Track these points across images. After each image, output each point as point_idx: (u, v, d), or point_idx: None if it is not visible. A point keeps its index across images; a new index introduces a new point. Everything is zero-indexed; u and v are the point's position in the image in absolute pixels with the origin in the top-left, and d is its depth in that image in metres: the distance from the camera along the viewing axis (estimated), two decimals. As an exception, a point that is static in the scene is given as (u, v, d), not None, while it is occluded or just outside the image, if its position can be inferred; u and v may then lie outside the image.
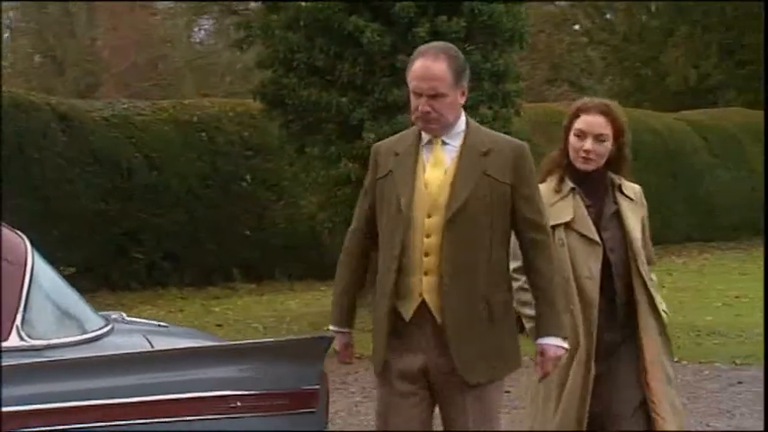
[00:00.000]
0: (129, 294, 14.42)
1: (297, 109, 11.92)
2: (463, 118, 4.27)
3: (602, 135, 4.62)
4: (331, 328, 4.44)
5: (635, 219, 4.66)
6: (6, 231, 3.98)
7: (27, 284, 3.88)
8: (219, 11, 26.34)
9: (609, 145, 4.62)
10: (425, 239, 4.14)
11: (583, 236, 4.57)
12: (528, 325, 4.55)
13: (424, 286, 4.16)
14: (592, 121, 4.62)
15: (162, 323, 4.70)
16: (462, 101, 4.24)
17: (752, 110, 24.46)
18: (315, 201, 12.46)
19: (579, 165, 4.64)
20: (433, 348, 4.16)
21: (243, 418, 4.00)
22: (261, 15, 12.15)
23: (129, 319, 4.65)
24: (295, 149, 12.48)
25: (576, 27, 32.61)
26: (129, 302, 13.51)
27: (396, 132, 4.32)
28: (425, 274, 4.15)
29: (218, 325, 12.18)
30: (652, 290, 4.64)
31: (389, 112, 11.39)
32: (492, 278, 4.19)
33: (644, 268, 4.61)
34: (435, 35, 11.36)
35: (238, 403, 4.05)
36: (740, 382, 9.17)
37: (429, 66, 4.15)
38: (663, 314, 4.68)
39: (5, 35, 26.36)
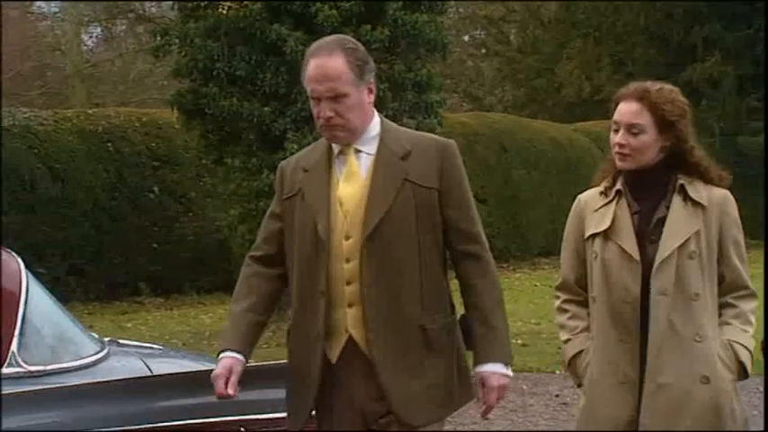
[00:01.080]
0: (33, 311, 13.88)
1: (216, 119, 11.64)
2: (377, 120, 3.71)
3: (635, 125, 3.82)
4: (221, 353, 3.61)
5: (685, 227, 3.80)
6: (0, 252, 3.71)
7: (22, 308, 3.62)
8: (126, 17, 25.74)
9: (648, 138, 3.82)
10: (345, 266, 3.58)
11: (621, 248, 3.83)
12: (563, 348, 4.00)
13: (350, 320, 3.58)
14: (624, 110, 3.85)
15: (155, 345, 4.45)
16: (371, 99, 3.67)
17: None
18: (234, 213, 12.18)
19: (617, 162, 3.89)
20: (365, 392, 3.58)
21: (248, 443, 3.82)
22: (179, 23, 11.83)
23: (123, 341, 4.38)
24: (214, 160, 12.20)
25: (466, 38, 32.88)
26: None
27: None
28: (349, 305, 3.58)
29: (135, 341, 11.79)
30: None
31: (312, 122, 11.12)
32: (427, 301, 3.62)
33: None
34: (359, 45, 11.25)
35: (242, 429, 3.87)
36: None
37: (323, 64, 3.58)
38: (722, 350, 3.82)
39: None
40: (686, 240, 3.80)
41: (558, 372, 9.66)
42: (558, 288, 4.04)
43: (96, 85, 27.34)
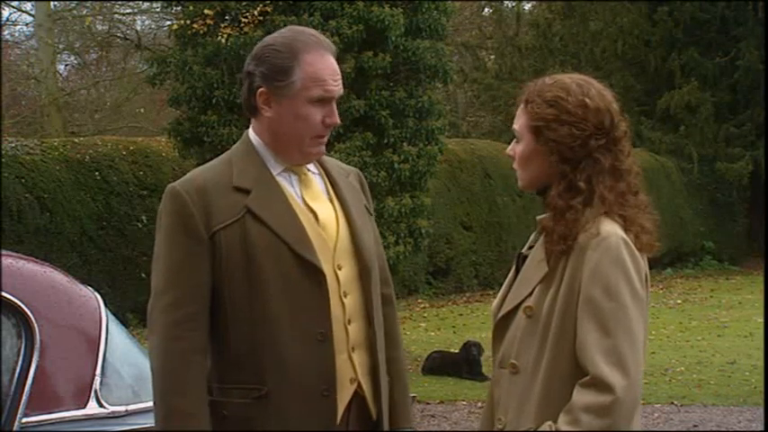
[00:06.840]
0: (21, 343, 13.60)
1: (215, 147, 11.47)
2: None
3: (515, 132, 2.93)
4: None
5: (534, 274, 2.86)
6: (80, 287, 3.56)
7: (103, 347, 3.46)
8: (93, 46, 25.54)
9: (524, 148, 2.91)
10: (344, 300, 2.98)
11: None
12: None
13: (358, 367, 2.99)
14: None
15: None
16: None
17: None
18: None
19: None
20: None
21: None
22: (177, 51, 11.66)
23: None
24: (212, 189, 12.03)
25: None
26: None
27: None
28: (353, 349, 3.00)
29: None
30: None
31: (314, 150, 11.04)
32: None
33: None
34: (361, 71, 11.16)
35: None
36: (695, 425, 9.09)
37: (329, 61, 3.04)
38: None
39: None
40: (530, 292, 2.81)
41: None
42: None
43: (71, 113, 27.08)
